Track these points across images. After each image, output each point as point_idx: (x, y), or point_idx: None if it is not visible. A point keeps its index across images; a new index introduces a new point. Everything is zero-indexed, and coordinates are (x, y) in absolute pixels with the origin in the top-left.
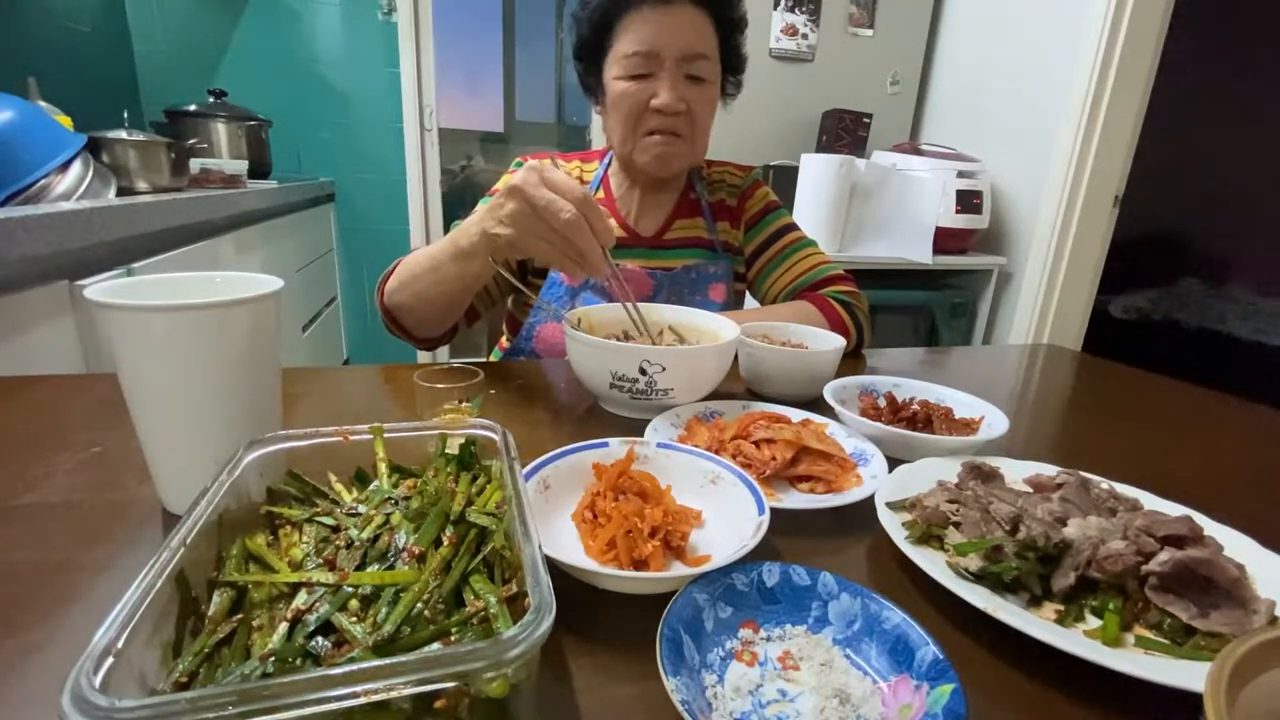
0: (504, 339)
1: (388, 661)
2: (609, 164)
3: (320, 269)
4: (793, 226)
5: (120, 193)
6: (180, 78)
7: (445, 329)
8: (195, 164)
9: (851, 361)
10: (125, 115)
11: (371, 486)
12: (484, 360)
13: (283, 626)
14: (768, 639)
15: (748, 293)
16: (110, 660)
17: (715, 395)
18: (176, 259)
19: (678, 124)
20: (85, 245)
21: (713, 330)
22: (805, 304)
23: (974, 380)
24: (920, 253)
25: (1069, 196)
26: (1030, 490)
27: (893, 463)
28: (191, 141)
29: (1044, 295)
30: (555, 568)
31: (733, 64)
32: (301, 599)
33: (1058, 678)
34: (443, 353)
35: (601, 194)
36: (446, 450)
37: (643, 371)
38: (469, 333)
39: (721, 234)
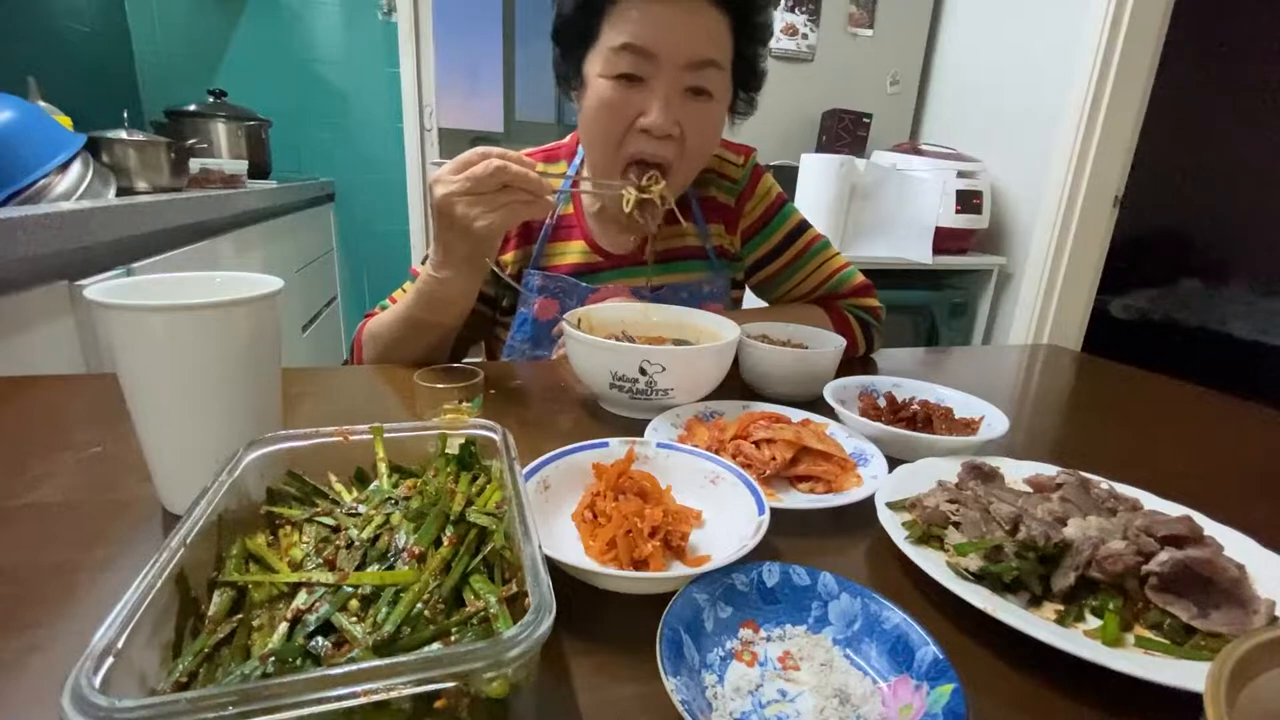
0: None
1: (388, 661)
2: (578, 167)
3: (320, 269)
4: (803, 226)
5: (120, 193)
6: (180, 78)
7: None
8: (195, 164)
9: (858, 363)
10: (125, 115)
11: (371, 486)
12: (484, 360)
13: (283, 626)
14: (768, 639)
15: (754, 294)
16: (110, 660)
17: (715, 395)
18: (176, 259)
19: (666, 151)
20: (85, 245)
21: (713, 330)
22: (817, 310)
23: (974, 380)
24: (920, 253)
25: (1069, 196)
26: (1030, 490)
27: (893, 463)
28: (191, 141)
29: (1044, 295)
30: (555, 568)
31: (747, 79)
32: (301, 599)
33: (1058, 678)
34: None
35: (569, 207)
36: (446, 450)
37: (643, 371)
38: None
39: (714, 238)
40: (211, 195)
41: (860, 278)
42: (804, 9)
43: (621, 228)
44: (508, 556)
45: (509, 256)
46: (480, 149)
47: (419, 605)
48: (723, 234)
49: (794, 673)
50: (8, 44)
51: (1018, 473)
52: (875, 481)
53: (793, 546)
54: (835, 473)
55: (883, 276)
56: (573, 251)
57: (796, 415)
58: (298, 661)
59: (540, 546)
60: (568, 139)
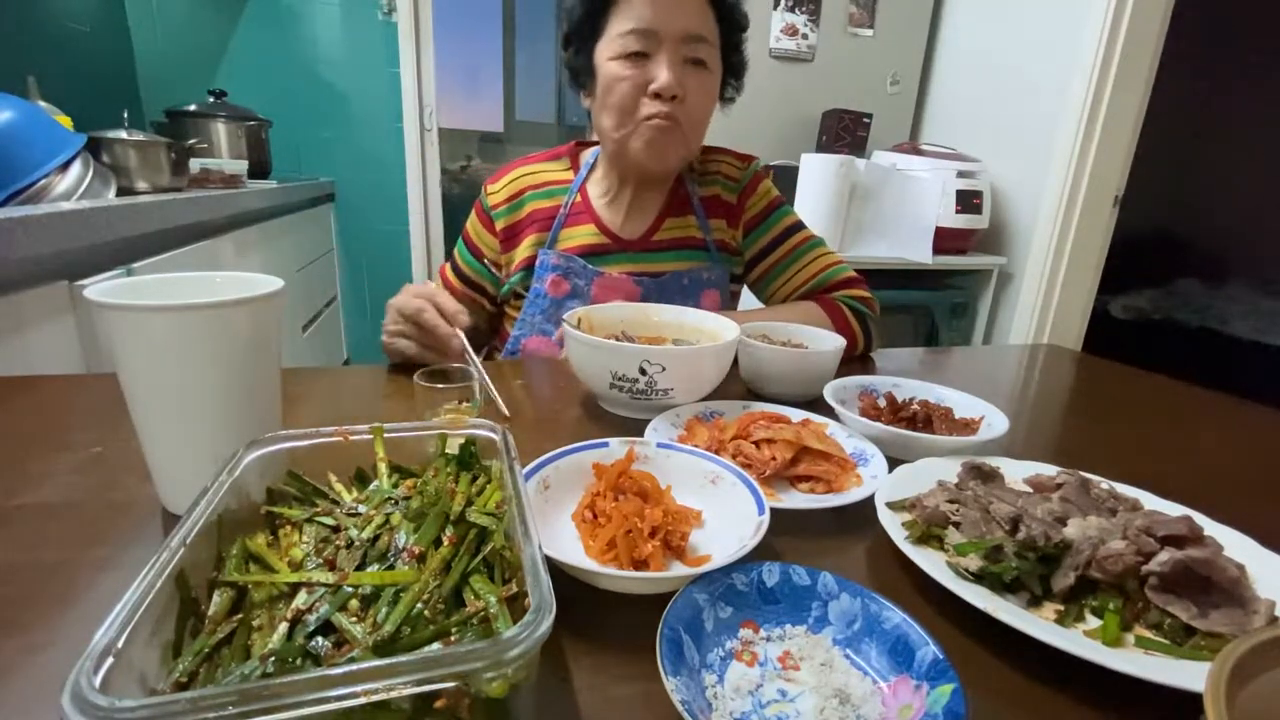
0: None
1: (388, 661)
2: (591, 167)
3: (320, 269)
4: (799, 226)
5: (120, 193)
6: (180, 78)
7: None
8: (195, 164)
9: (859, 363)
10: (125, 115)
11: (371, 486)
12: (484, 360)
13: (283, 626)
14: (768, 639)
15: (751, 293)
16: (110, 660)
17: (715, 395)
18: (176, 259)
19: (675, 110)
20: (85, 245)
21: (712, 330)
22: (813, 306)
23: (974, 380)
24: (920, 253)
25: (1069, 196)
26: (1030, 490)
27: (893, 463)
28: (191, 141)
29: (1044, 295)
30: (555, 568)
31: (733, 65)
32: (301, 599)
33: (1058, 678)
34: None
35: (579, 198)
36: (446, 450)
37: (643, 371)
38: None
39: (716, 232)
40: (211, 195)
41: (851, 272)
42: (804, 9)
43: (638, 179)
44: (508, 556)
45: (529, 240)
46: (415, 301)
47: (419, 605)
48: (724, 228)
49: (794, 673)
50: (8, 44)
51: (1018, 473)
52: (875, 481)
53: (793, 546)
54: (835, 473)
55: (883, 276)
56: (583, 234)
57: (796, 415)
58: (298, 661)
59: (540, 546)
60: (567, 147)
